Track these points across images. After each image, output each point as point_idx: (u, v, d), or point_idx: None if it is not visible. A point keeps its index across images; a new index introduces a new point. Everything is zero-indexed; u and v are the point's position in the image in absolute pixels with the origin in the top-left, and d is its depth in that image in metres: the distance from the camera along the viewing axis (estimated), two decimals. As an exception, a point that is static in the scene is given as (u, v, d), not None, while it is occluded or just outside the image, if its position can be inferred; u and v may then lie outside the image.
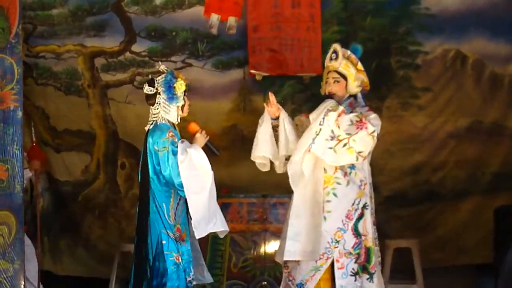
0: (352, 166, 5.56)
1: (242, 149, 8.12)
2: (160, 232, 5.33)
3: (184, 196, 5.27)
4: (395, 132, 8.18)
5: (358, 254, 5.53)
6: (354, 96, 5.71)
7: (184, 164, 5.23)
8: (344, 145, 5.43)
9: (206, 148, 5.42)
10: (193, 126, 5.49)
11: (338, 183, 5.54)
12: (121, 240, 8.11)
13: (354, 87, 5.65)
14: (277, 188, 7.45)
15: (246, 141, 8.05)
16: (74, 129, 8.47)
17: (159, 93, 5.42)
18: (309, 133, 5.49)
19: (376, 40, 8.16)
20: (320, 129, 5.45)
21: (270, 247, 7.45)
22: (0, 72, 6.16)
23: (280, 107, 5.65)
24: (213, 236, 6.82)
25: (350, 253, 5.51)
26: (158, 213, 5.34)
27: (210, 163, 5.31)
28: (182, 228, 5.40)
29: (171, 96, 5.40)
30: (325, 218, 5.51)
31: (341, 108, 5.52)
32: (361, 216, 5.56)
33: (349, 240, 5.52)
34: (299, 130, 5.70)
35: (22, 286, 6.17)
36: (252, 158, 5.74)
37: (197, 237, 5.33)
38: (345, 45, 5.76)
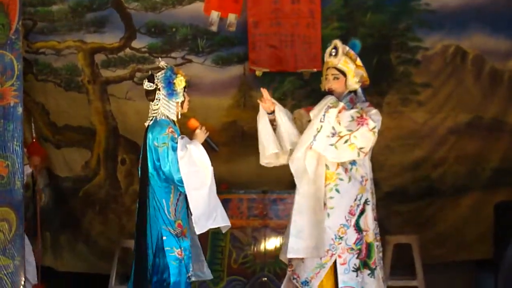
0: (353, 162, 5.56)
1: (242, 145, 8.14)
2: (160, 228, 5.33)
3: (184, 192, 5.27)
4: (395, 128, 8.18)
5: (360, 249, 5.53)
6: (354, 91, 5.72)
7: (184, 160, 5.23)
8: (346, 141, 5.43)
9: (205, 144, 5.43)
10: (193, 122, 5.50)
11: (341, 179, 5.55)
12: (122, 236, 8.11)
13: (353, 83, 5.66)
14: (277, 184, 7.47)
15: (246, 137, 8.08)
16: (74, 125, 8.47)
17: (159, 89, 5.42)
18: (310, 130, 5.49)
19: (376, 36, 8.15)
20: (321, 126, 5.45)
21: (270, 243, 7.46)
22: (0, 68, 6.18)
23: (274, 101, 5.64)
24: (213, 232, 6.85)
25: (352, 249, 5.52)
26: (158, 209, 5.34)
27: (210, 159, 5.31)
28: (183, 223, 5.41)
29: (171, 92, 5.41)
30: (328, 214, 5.51)
31: (341, 104, 5.52)
32: (362, 212, 5.56)
33: (351, 235, 5.53)
34: (297, 124, 5.71)
35: (23, 282, 6.19)
36: (262, 163, 5.74)
37: (197, 232, 5.34)
38: (345, 41, 5.76)
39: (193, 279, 5.46)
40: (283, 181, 6.93)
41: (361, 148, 5.45)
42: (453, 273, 8.12)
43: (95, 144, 8.50)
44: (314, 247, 5.47)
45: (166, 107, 5.43)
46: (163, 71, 5.44)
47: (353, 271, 5.51)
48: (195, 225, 5.26)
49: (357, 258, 5.52)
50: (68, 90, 8.38)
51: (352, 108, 5.56)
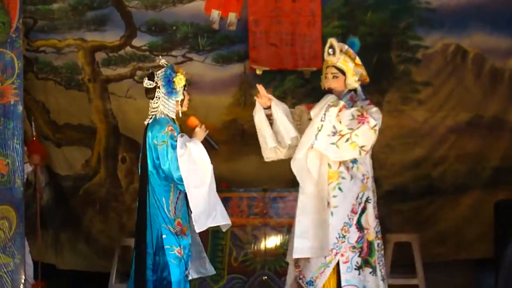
0: (354, 161, 5.56)
1: (242, 144, 8.14)
2: (160, 227, 5.32)
3: (184, 190, 5.27)
4: (396, 126, 8.18)
5: (361, 247, 5.54)
6: (354, 90, 5.71)
7: (184, 158, 5.22)
8: (347, 140, 5.44)
9: (205, 142, 5.42)
10: (193, 120, 5.49)
11: (343, 178, 5.54)
12: (122, 234, 8.11)
13: (353, 81, 5.65)
14: (278, 182, 7.48)
15: (246, 135, 8.08)
16: (75, 123, 8.47)
17: (159, 87, 5.41)
18: (310, 129, 5.49)
19: (376, 34, 8.16)
20: (322, 125, 5.45)
21: (271, 241, 7.47)
22: (0, 67, 6.19)
23: (271, 96, 5.64)
24: (213, 230, 6.86)
25: (354, 247, 5.53)
26: (158, 207, 5.33)
27: (210, 157, 5.31)
28: (183, 222, 5.40)
29: (170, 90, 5.40)
30: (332, 213, 5.51)
31: (341, 103, 5.52)
32: (364, 210, 5.57)
33: (353, 234, 5.53)
34: (296, 119, 5.71)
35: (23, 281, 6.19)
36: (266, 158, 5.75)
37: (197, 231, 5.33)
38: (345, 40, 5.76)
39: (190, 277, 5.44)
40: (283, 179, 6.94)
41: (362, 147, 5.45)
42: (453, 272, 8.12)
43: (96, 143, 8.50)
44: (319, 246, 5.47)
45: (165, 105, 5.42)
46: (163, 69, 5.43)
47: (355, 269, 5.51)
48: (195, 223, 5.25)
49: (359, 256, 5.53)
50: (68, 89, 8.38)
51: (352, 106, 5.56)
